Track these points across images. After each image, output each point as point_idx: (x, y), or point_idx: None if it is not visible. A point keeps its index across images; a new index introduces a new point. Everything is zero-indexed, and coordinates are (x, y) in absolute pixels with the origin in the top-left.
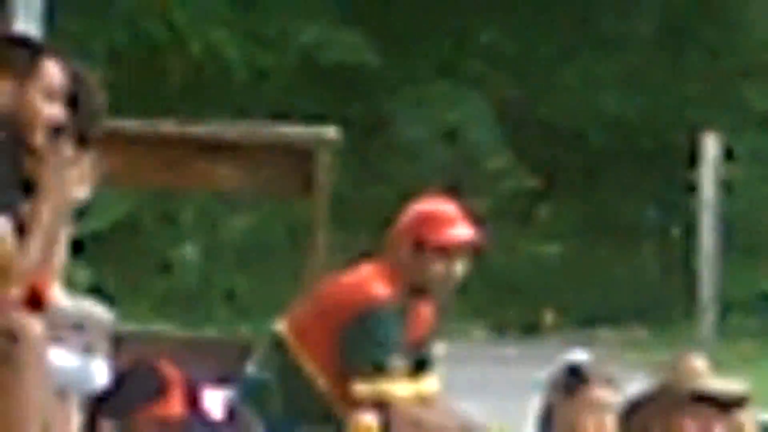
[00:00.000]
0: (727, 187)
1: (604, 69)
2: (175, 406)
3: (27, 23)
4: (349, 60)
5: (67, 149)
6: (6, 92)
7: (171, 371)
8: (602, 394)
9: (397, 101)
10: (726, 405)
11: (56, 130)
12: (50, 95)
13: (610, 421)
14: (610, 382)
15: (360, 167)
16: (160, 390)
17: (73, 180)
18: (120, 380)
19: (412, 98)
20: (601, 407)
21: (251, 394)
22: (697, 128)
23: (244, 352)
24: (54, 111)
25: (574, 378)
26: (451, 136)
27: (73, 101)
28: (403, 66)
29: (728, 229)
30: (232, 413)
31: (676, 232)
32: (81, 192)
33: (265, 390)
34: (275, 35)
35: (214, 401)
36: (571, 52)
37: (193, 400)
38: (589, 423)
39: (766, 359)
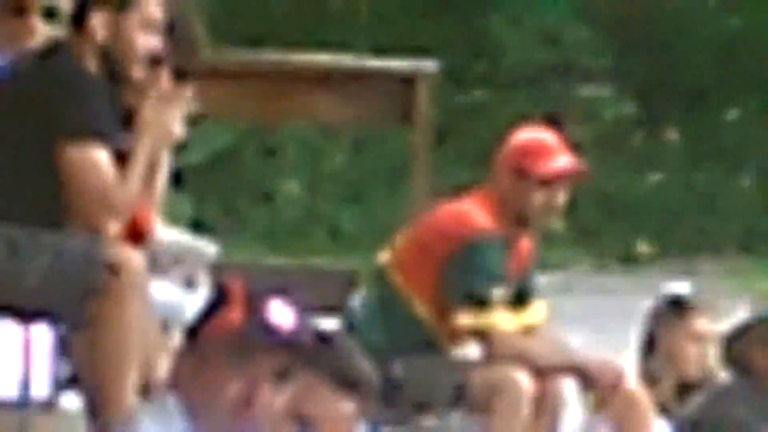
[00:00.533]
0: None
1: None
2: (236, 316)
3: None
4: None
5: (166, 81)
6: (104, 24)
7: (234, 284)
8: (704, 323)
9: (499, 25)
10: None
11: (154, 62)
12: (148, 26)
13: (712, 351)
14: (711, 311)
15: (460, 98)
16: (222, 302)
17: (172, 112)
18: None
19: (514, 24)
20: (702, 337)
21: (355, 323)
22: None
23: (348, 282)
24: (152, 42)
25: (676, 308)
26: (554, 61)
27: (171, 33)
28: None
29: None
30: (325, 337)
31: None
32: (180, 125)
33: (368, 320)
34: None
35: (282, 313)
36: None
37: (255, 311)
38: (691, 352)
39: None
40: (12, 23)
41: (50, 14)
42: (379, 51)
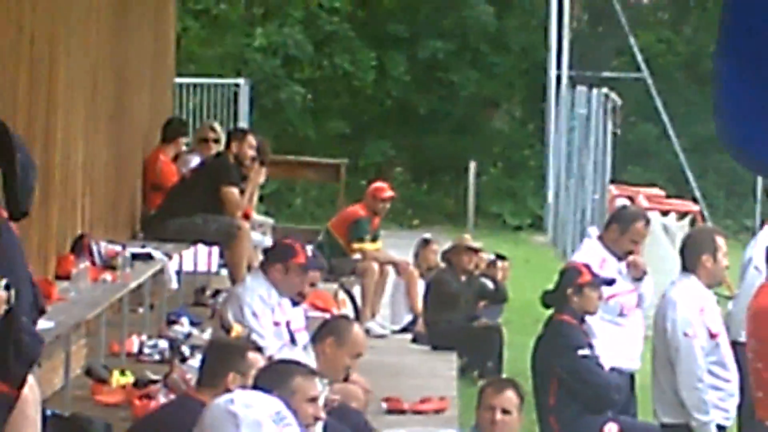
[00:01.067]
0: None
1: None
2: (303, 258)
3: (243, 122)
4: None
5: (257, 166)
6: (236, 146)
7: (297, 243)
8: (434, 246)
9: None
10: (476, 250)
11: (253, 159)
12: (251, 146)
13: (437, 256)
14: (437, 242)
15: (356, 175)
16: (295, 251)
17: (259, 175)
18: (279, 249)
19: None
20: (434, 250)
21: (317, 247)
22: (467, 158)
23: (316, 234)
24: (252, 152)
25: (426, 242)
26: None
27: (258, 149)
28: None
29: None
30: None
31: (461, 192)
32: (261, 179)
33: (323, 246)
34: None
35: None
36: None
37: (306, 254)
38: (431, 256)
39: (492, 237)
40: (203, 145)
41: (216, 141)
42: (325, 155)
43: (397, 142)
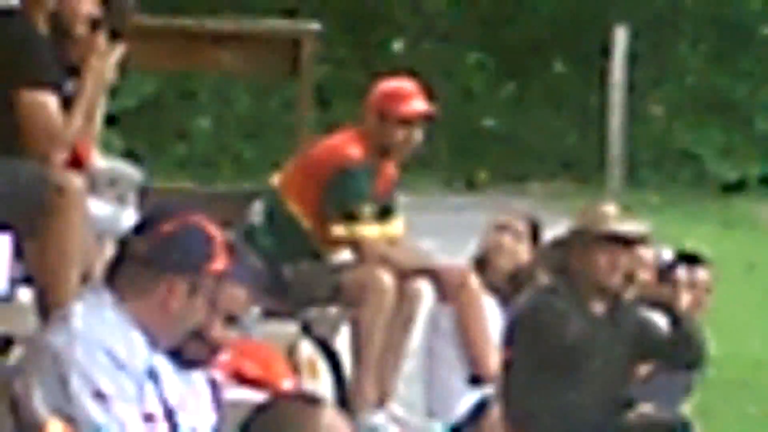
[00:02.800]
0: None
1: None
2: (222, 261)
3: None
4: None
5: (103, 40)
6: None
7: (214, 230)
8: (520, 227)
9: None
10: (630, 242)
11: (94, 24)
12: None
13: (524, 250)
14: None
15: (344, 54)
16: (212, 249)
17: (107, 65)
18: (176, 239)
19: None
20: (520, 236)
21: (247, 235)
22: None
23: (246, 201)
24: (91, 8)
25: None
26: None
27: (106, 1)
28: None
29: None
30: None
31: (593, 100)
32: (113, 75)
33: (262, 230)
34: None
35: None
36: None
37: (231, 252)
38: (508, 246)
39: (669, 207)
40: None
41: None
42: (272, 14)
43: None
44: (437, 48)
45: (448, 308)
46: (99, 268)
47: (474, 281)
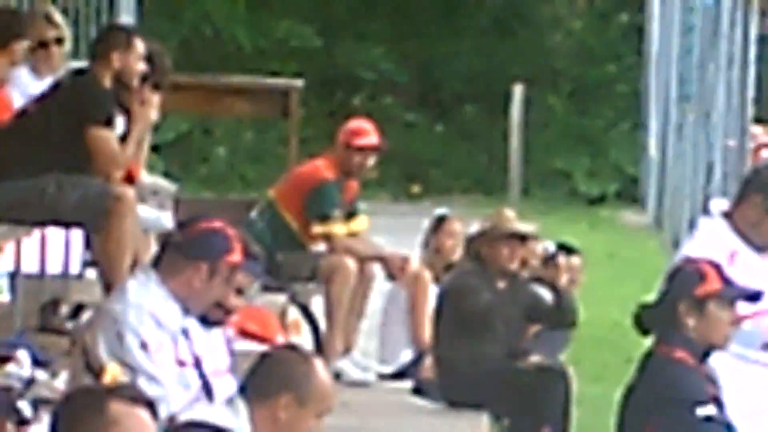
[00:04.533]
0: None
1: None
2: (238, 254)
3: (127, 17)
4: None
5: (149, 91)
6: (117, 58)
7: (231, 230)
8: (456, 228)
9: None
10: (524, 237)
11: (143, 79)
12: (140, 58)
13: (460, 244)
14: (461, 221)
15: (320, 102)
16: (231, 245)
17: (151, 108)
18: (203, 236)
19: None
20: (453, 236)
21: (251, 231)
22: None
23: (250, 208)
24: (143, 67)
25: (440, 221)
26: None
27: (150, 62)
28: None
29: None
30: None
31: (497, 132)
32: (155, 116)
33: (261, 229)
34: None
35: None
36: None
37: (245, 249)
38: (447, 244)
39: (552, 213)
40: (38, 54)
41: (59, 42)
42: (270, 74)
43: (392, 50)
44: (387, 102)
45: (405, 287)
46: (145, 256)
47: (413, 266)
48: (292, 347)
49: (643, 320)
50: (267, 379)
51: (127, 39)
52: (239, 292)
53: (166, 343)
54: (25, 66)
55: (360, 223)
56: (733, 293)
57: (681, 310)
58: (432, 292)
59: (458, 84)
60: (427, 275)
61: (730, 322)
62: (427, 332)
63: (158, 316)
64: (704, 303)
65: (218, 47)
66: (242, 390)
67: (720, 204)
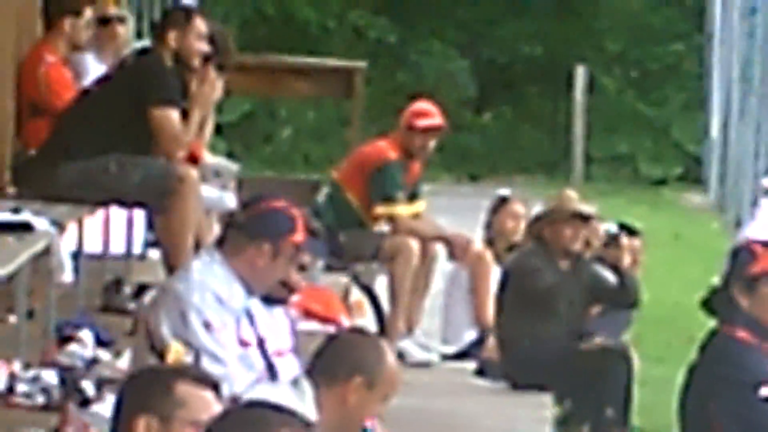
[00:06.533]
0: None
1: None
2: (301, 234)
3: None
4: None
5: (212, 71)
6: (175, 38)
7: (294, 210)
8: (518, 209)
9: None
10: (587, 218)
11: (205, 59)
12: (200, 38)
13: (522, 225)
14: (523, 202)
15: (383, 84)
16: (294, 225)
17: (212, 89)
18: (267, 215)
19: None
20: (516, 217)
21: (317, 213)
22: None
23: (315, 188)
24: (203, 47)
25: (502, 201)
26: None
27: (213, 42)
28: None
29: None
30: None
31: (560, 113)
32: (218, 96)
33: (326, 209)
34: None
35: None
36: None
37: (307, 228)
38: (510, 226)
39: (615, 194)
40: (102, 31)
41: (121, 20)
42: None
43: (454, 36)
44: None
45: (466, 268)
46: (208, 236)
47: (475, 247)
48: (360, 330)
49: (711, 302)
50: (336, 362)
51: (185, 18)
52: (302, 269)
53: (229, 323)
54: (91, 52)
55: (420, 205)
56: None
57: (735, 290)
58: (494, 272)
59: (521, 66)
60: (489, 256)
61: None
62: (489, 312)
63: (222, 296)
64: (755, 282)
65: (279, 26)
66: (308, 372)
67: None
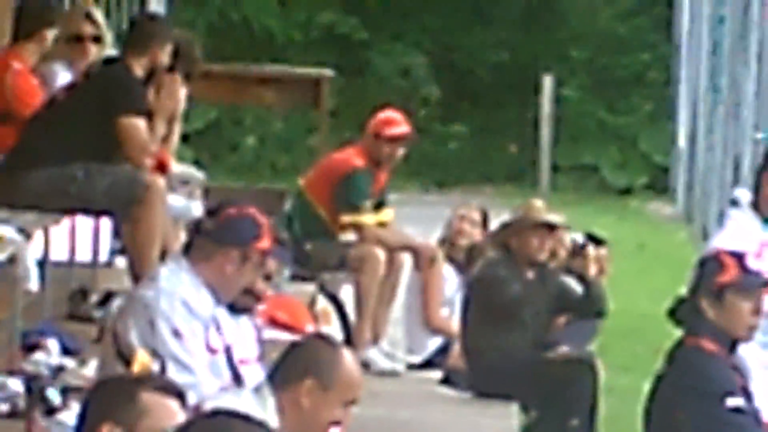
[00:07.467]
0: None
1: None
2: (268, 241)
3: (157, 6)
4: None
5: (177, 80)
6: (156, 50)
7: (261, 217)
8: (473, 217)
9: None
10: (553, 227)
11: (170, 69)
12: (167, 50)
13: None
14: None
15: (349, 93)
16: (260, 232)
17: (180, 97)
18: (234, 222)
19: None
20: (475, 223)
21: (284, 221)
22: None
23: (281, 197)
24: (168, 58)
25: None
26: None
27: (178, 53)
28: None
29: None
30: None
31: (527, 123)
32: (182, 104)
33: (291, 218)
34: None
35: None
36: None
37: (273, 236)
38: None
39: (581, 204)
40: (74, 47)
41: (97, 40)
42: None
43: (421, 42)
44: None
45: (422, 277)
46: (174, 245)
47: (440, 256)
48: (320, 335)
49: (677, 313)
50: (292, 365)
51: (166, 32)
52: (268, 278)
53: (198, 330)
54: (62, 63)
55: (387, 214)
56: (753, 283)
57: (702, 300)
58: (447, 272)
59: (487, 74)
60: (440, 255)
61: (751, 312)
62: (440, 312)
63: (190, 303)
64: (722, 293)
65: (246, 35)
66: (269, 378)
67: (745, 194)
